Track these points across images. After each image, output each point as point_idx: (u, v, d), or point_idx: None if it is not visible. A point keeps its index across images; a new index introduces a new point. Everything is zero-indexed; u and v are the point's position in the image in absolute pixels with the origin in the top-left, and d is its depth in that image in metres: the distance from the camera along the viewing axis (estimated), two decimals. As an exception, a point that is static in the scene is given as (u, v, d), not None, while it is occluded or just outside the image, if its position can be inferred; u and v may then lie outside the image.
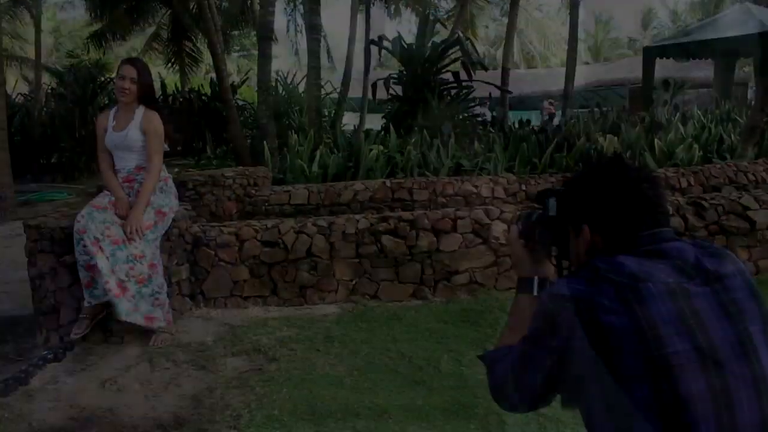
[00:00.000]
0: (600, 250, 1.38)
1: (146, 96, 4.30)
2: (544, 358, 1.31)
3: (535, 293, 1.50)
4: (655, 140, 9.20)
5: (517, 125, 11.90)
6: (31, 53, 22.98)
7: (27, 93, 19.64)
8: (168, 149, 4.47)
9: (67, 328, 4.14)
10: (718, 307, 1.25)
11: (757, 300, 1.31)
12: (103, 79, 16.00)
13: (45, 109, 15.58)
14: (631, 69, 25.20)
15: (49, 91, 16.55)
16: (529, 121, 13.06)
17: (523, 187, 7.31)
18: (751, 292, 1.31)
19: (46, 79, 20.43)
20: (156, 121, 4.25)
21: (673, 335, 1.20)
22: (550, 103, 19.67)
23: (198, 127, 16.66)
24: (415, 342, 4.01)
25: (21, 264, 4.66)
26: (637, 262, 1.29)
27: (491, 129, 10.90)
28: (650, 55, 17.56)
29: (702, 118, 11.40)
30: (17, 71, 26.18)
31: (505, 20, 20.18)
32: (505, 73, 16.04)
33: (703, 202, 5.34)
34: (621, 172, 1.39)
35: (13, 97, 17.74)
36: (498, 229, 4.91)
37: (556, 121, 15.54)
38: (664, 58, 19.13)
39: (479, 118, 11.73)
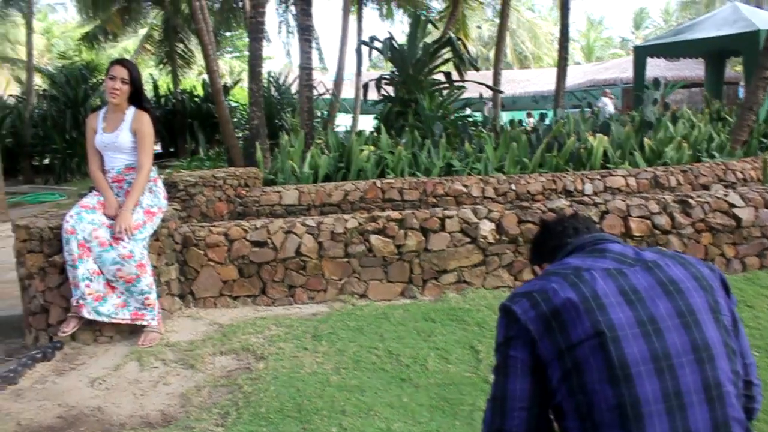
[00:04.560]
0: None
1: (137, 96, 4.33)
2: (519, 351, 1.41)
3: None
4: (645, 139, 9.25)
5: (508, 125, 11.94)
6: (22, 54, 22.92)
7: (19, 95, 19.61)
8: (161, 150, 4.51)
9: (57, 327, 4.16)
10: (657, 285, 1.40)
11: (705, 293, 1.41)
12: (95, 80, 15.99)
13: (37, 110, 15.54)
14: (623, 69, 25.34)
15: (41, 92, 16.51)
16: (520, 122, 13.09)
17: (513, 187, 7.34)
18: (699, 285, 1.42)
19: (38, 80, 20.39)
20: (146, 122, 4.28)
21: (614, 305, 1.36)
22: None
23: (190, 129, 16.67)
24: (402, 340, 4.04)
25: (12, 266, 4.67)
26: (580, 260, 1.50)
27: (482, 129, 10.92)
28: (641, 54, 17.63)
29: (692, 117, 11.44)
30: (9, 73, 26.14)
31: (498, 21, 20.19)
32: (496, 73, 16.09)
33: (690, 200, 5.38)
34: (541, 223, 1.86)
35: (5, 98, 17.70)
36: (486, 228, 4.94)
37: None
38: (656, 57, 19.23)
39: (470, 118, 11.75)
